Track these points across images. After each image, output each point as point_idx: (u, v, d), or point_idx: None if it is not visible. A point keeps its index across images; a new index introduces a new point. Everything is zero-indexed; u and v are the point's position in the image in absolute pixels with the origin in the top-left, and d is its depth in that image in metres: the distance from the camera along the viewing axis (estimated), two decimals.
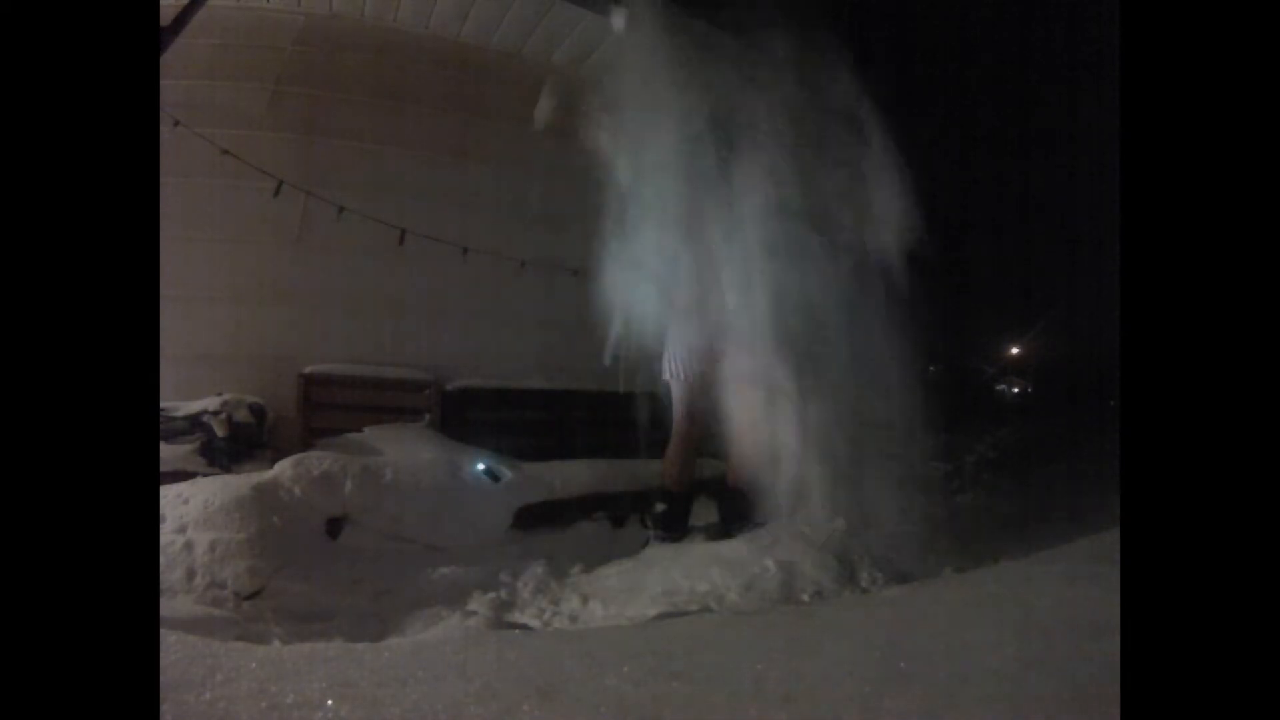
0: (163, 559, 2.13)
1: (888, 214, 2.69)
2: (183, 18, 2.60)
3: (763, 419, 2.66)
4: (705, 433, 2.82)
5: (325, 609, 2.15)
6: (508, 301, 3.86)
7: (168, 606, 1.93)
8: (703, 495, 3.00)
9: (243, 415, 2.95)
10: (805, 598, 2.01)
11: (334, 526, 2.59)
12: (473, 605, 2.13)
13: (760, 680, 0.98)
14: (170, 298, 2.75)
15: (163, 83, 2.05)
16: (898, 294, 2.67)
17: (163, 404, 2.77)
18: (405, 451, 2.96)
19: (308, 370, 3.31)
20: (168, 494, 2.35)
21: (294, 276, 3.47)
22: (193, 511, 2.29)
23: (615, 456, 3.56)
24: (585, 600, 2.14)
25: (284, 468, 2.61)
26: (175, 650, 0.99)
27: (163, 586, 2.05)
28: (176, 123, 3.16)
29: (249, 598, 2.12)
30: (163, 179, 1.66)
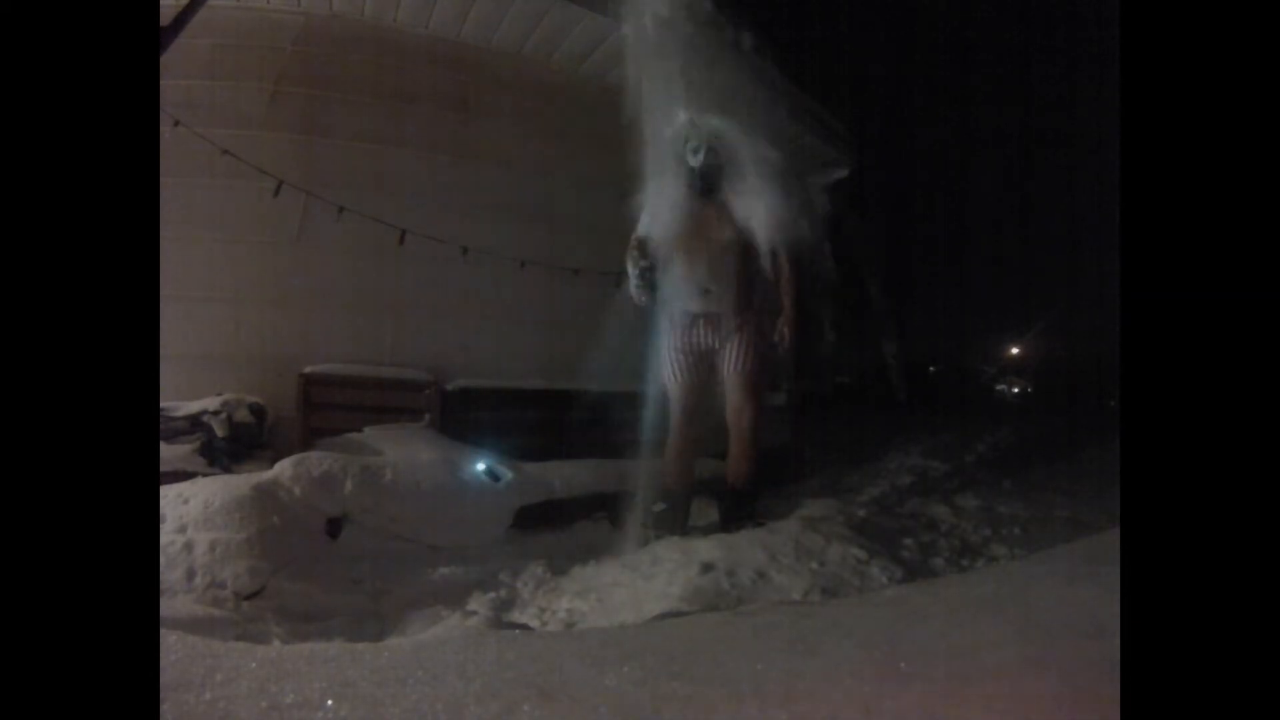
0: (163, 559, 2.13)
1: None
2: (183, 18, 2.60)
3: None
4: (704, 433, 2.82)
5: (325, 609, 2.15)
6: (508, 301, 3.85)
7: (168, 606, 1.93)
8: (703, 495, 2.99)
9: (243, 415, 2.95)
10: (803, 597, 2.01)
11: (334, 526, 2.59)
12: (473, 605, 2.13)
13: (760, 680, 0.98)
14: (170, 298, 2.76)
15: (163, 83, 2.05)
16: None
17: (163, 404, 2.77)
18: (405, 451, 2.96)
19: (308, 370, 3.31)
20: (168, 494, 2.35)
21: (294, 276, 3.46)
22: (193, 511, 2.29)
23: (615, 456, 3.56)
24: (585, 600, 2.13)
25: (284, 468, 2.61)
26: (175, 650, 0.99)
27: (163, 586, 2.05)
28: (176, 123, 3.16)
29: (249, 598, 2.12)
30: (163, 179, 1.66)
